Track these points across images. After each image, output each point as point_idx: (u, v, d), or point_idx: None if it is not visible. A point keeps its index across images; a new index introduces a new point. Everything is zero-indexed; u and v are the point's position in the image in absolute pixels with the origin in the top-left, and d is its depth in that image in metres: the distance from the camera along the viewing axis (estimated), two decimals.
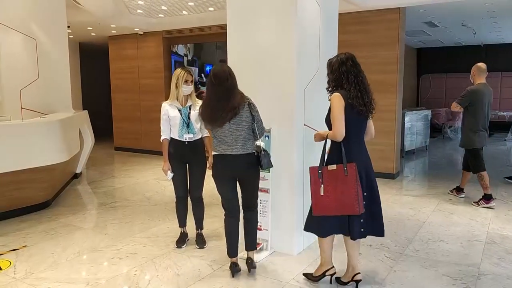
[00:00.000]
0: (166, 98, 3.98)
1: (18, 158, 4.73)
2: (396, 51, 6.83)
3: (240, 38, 3.99)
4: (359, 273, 3.22)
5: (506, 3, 6.76)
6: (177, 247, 4.07)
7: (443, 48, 13.00)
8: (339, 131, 2.91)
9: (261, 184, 3.75)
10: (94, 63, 12.63)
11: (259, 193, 3.81)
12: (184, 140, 3.87)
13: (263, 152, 3.29)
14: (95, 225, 4.92)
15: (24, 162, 4.80)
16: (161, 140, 3.92)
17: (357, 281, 3.20)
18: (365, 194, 3.05)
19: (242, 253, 3.84)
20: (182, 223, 4.16)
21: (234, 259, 3.45)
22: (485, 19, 8.27)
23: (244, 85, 3.96)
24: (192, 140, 3.89)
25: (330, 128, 3.05)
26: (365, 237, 3.20)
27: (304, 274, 3.43)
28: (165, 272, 3.55)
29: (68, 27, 7.64)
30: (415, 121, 9.37)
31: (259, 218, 3.85)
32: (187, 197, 4.09)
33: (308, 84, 3.88)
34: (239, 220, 3.44)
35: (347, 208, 2.95)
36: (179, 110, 3.86)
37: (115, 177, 7.65)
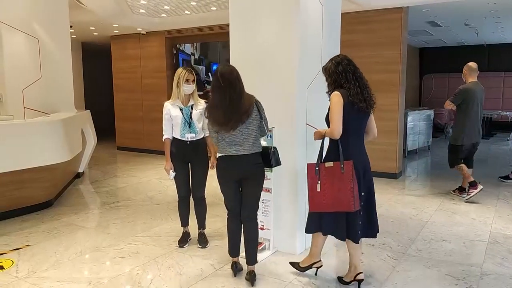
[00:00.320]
0: (169, 98, 3.98)
1: (21, 158, 4.73)
2: (398, 51, 6.81)
3: (243, 37, 3.99)
4: (361, 272, 3.21)
5: (509, 2, 6.73)
6: (179, 247, 4.07)
7: (446, 47, 12.96)
8: (337, 129, 2.95)
9: (263, 183, 3.75)
10: (96, 62, 12.66)
11: (262, 192, 3.81)
12: (186, 139, 3.87)
13: (272, 150, 3.31)
14: (97, 224, 4.93)
15: (26, 162, 4.81)
16: (163, 140, 3.92)
17: (359, 281, 3.20)
18: (362, 194, 3.08)
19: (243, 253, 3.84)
20: (184, 222, 4.16)
21: (235, 258, 3.45)
22: (488, 19, 8.24)
23: (246, 84, 3.95)
24: (194, 139, 3.89)
25: (329, 126, 3.08)
26: (366, 237, 3.26)
27: (291, 263, 3.48)
28: (167, 271, 3.55)
29: (71, 26, 7.66)
30: (418, 121, 9.35)
31: (261, 217, 3.85)
32: (189, 196, 4.09)
33: (311, 83, 3.88)
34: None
35: (343, 205, 2.99)
36: (181, 110, 3.86)
37: (118, 176, 7.66)
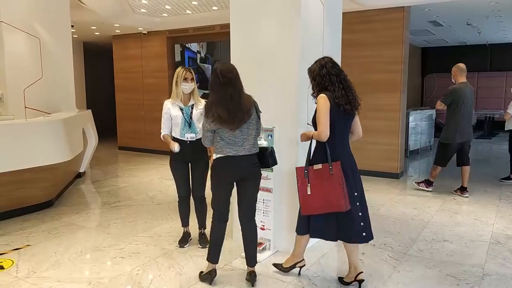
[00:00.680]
0: (170, 97, 3.96)
1: (21, 158, 4.73)
2: (400, 51, 6.79)
3: (243, 37, 3.97)
4: (361, 272, 3.21)
5: (511, 2, 6.71)
6: (179, 247, 4.06)
7: (448, 47, 12.92)
8: (324, 132, 3.00)
9: (264, 183, 3.74)
10: (98, 62, 12.67)
11: (262, 192, 3.81)
12: (186, 139, 3.86)
13: (270, 150, 3.29)
14: (98, 224, 4.92)
15: (27, 162, 4.80)
16: (161, 137, 3.90)
17: (360, 281, 3.19)
18: (355, 194, 3.11)
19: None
20: (185, 222, 4.15)
21: (215, 265, 3.33)
22: (490, 18, 8.21)
23: (247, 84, 3.94)
24: (194, 139, 3.87)
25: (316, 128, 3.12)
26: (367, 242, 3.26)
27: (274, 265, 3.48)
28: (168, 271, 3.54)
29: (72, 26, 7.66)
30: (420, 121, 9.33)
31: (262, 217, 3.84)
32: (190, 196, 4.08)
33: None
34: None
35: (333, 206, 3.02)
36: (181, 109, 3.85)
37: (119, 176, 7.66)
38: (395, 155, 6.97)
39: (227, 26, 4.11)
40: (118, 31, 9.67)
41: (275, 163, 3.35)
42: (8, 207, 4.95)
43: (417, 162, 8.83)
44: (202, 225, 4.15)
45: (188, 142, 3.86)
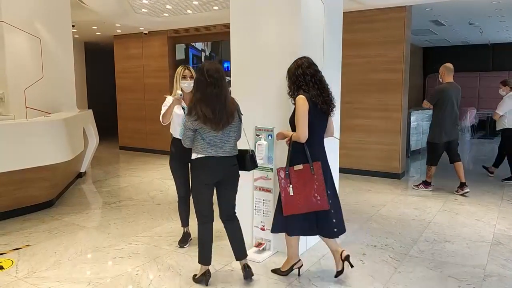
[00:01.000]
0: None
1: (22, 157, 4.73)
2: (402, 50, 6.77)
3: (243, 37, 3.96)
4: (343, 250, 3.30)
5: None
6: (179, 247, 4.05)
7: (450, 47, 12.88)
8: (303, 133, 3.06)
9: (264, 183, 3.73)
10: (99, 62, 12.67)
11: (262, 192, 3.79)
12: None
13: (251, 153, 3.30)
14: (98, 224, 4.91)
15: (28, 161, 4.80)
16: (161, 118, 3.81)
17: (347, 257, 3.26)
18: (328, 192, 3.17)
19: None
20: (185, 222, 4.14)
21: (209, 266, 3.32)
22: (492, 18, 8.18)
23: (247, 84, 3.95)
24: None
25: (293, 129, 3.19)
26: (337, 237, 3.34)
27: (273, 271, 3.47)
28: (167, 272, 3.53)
29: (73, 26, 7.65)
30: (421, 121, 9.29)
31: (262, 217, 3.83)
32: (189, 196, 4.05)
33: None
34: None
35: (317, 205, 3.11)
36: (184, 109, 3.84)
37: (120, 176, 7.66)
38: (397, 155, 6.95)
39: (228, 25, 4.10)
40: (119, 31, 9.67)
41: (255, 166, 3.35)
42: (8, 207, 4.95)
43: (418, 162, 8.79)
44: None
45: None
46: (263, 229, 3.83)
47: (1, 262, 3.74)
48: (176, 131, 3.88)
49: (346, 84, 5.22)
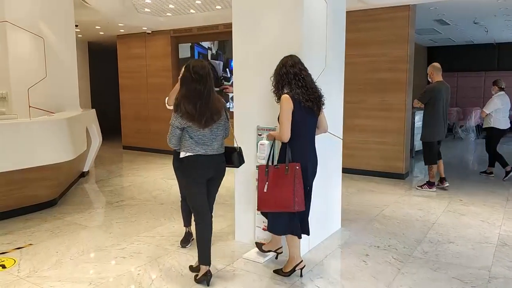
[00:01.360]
0: None
1: (25, 157, 4.73)
2: (405, 50, 6.72)
3: (246, 36, 3.93)
4: (302, 261, 3.37)
5: None
6: (181, 247, 4.03)
7: (454, 46, 12.81)
8: (285, 133, 3.11)
9: None
10: (102, 62, 12.69)
11: None
12: None
13: (238, 150, 3.38)
14: (100, 224, 4.91)
15: (31, 161, 4.80)
16: (166, 101, 3.81)
17: (301, 269, 3.37)
18: (308, 188, 3.26)
19: (246, 254, 3.79)
20: (187, 222, 4.12)
21: (209, 266, 3.28)
22: (498, 17, 8.11)
23: (250, 83, 3.92)
24: None
25: None
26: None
27: (275, 271, 3.46)
28: (169, 272, 3.51)
29: (76, 26, 7.67)
30: None
31: (264, 217, 3.80)
32: None
33: (315, 81, 3.80)
34: None
35: (284, 205, 3.14)
36: None
37: (123, 175, 7.65)
38: (400, 155, 6.90)
39: (231, 25, 4.08)
40: (122, 30, 9.67)
41: (242, 162, 3.45)
42: (11, 206, 4.95)
43: (422, 162, 8.71)
44: None
45: None
46: (265, 229, 3.80)
47: (3, 261, 3.74)
48: None
49: (350, 83, 5.18)
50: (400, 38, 6.72)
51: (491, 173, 7.08)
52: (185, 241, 4.08)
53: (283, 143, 3.21)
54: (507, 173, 6.81)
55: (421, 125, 8.86)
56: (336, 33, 4.21)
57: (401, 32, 6.71)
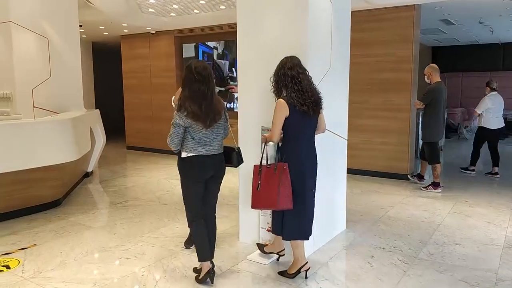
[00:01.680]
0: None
1: (29, 157, 4.72)
2: (410, 50, 6.68)
3: (250, 36, 3.91)
4: (307, 262, 3.37)
5: None
6: (185, 248, 4.01)
7: (459, 46, 12.74)
8: (275, 135, 3.20)
9: None
10: (106, 62, 12.70)
11: None
12: None
13: (237, 150, 3.41)
14: (104, 224, 4.90)
15: (35, 161, 4.80)
16: (173, 101, 3.76)
17: (306, 270, 3.36)
18: (313, 191, 3.29)
19: (251, 256, 3.78)
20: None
21: (211, 264, 3.30)
22: (503, 17, 8.05)
23: (255, 83, 3.90)
24: None
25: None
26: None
27: (279, 273, 3.44)
28: (173, 273, 3.50)
29: (81, 26, 7.67)
30: None
31: (269, 219, 3.78)
32: None
33: (319, 82, 3.79)
34: None
35: (270, 203, 3.20)
36: None
37: (127, 176, 7.65)
38: (405, 155, 6.86)
39: (235, 25, 4.06)
40: (126, 31, 9.68)
41: (241, 162, 3.47)
42: (16, 206, 4.95)
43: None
44: None
45: None
46: (269, 231, 3.78)
47: (7, 261, 3.74)
48: None
49: (354, 83, 5.15)
50: (404, 38, 6.69)
51: (497, 173, 7.08)
52: (189, 242, 4.06)
53: (279, 144, 3.29)
54: (466, 169, 7.33)
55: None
56: (341, 33, 4.19)
57: (405, 32, 6.67)
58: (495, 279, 3.39)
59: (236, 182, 4.06)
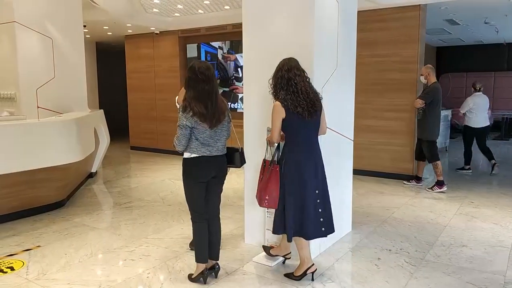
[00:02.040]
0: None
1: (33, 157, 4.71)
2: (416, 50, 6.64)
3: (257, 36, 3.89)
4: (313, 264, 3.35)
5: None
6: (190, 249, 3.99)
7: (463, 46, 12.67)
8: (274, 137, 3.23)
9: None
10: (110, 62, 12.70)
11: None
12: None
13: (240, 151, 3.39)
14: (109, 225, 4.88)
15: (39, 162, 4.79)
16: (176, 101, 3.79)
17: (313, 273, 3.33)
18: (317, 192, 3.27)
19: (256, 257, 3.75)
20: None
21: (206, 264, 3.32)
22: (509, 17, 8.00)
23: (261, 84, 3.87)
24: None
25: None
26: (326, 236, 3.36)
27: (285, 275, 3.42)
28: (178, 275, 3.48)
29: (85, 26, 7.66)
30: None
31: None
32: None
33: (326, 82, 3.76)
34: None
35: (263, 202, 3.30)
36: None
37: (130, 176, 7.64)
38: (410, 156, 6.82)
39: (240, 25, 4.04)
40: (130, 31, 9.67)
41: (244, 162, 3.45)
42: (19, 207, 4.94)
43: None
44: None
45: None
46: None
47: (12, 263, 3.73)
48: None
49: (359, 83, 5.11)
50: (410, 38, 6.65)
51: (497, 166, 7.29)
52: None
53: (281, 144, 3.35)
54: (463, 169, 7.53)
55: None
56: (347, 33, 4.16)
57: (411, 32, 6.63)
58: (503, 282, 3.35)
59: (240, 183, 4.03)
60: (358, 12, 4.46)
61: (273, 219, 3.56)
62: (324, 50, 3.74)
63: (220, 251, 3.88)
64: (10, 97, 6.22)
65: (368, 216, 5.01)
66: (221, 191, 3.45)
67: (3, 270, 3.58)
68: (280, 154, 3.34)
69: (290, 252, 3.59)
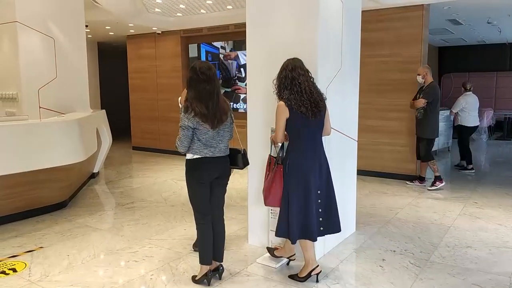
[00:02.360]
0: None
1: (35, 158, 4.70)
2: (419, 50, 6.61)
3: (260, 36, 3.87)
4: (318, 266, 3.33)
5: None
6: (194, 250, 3.97)
7: (466, 46, 12.64)
8: (278, 137, 3.24)
9: None
10: (112, 62, 12.68)
11: None
12: None
13: (242, 152, 3.37)
14: (111, 226, 4.87)
15: (41, 162, 4.77)
16: (179, 101, 3.74)
17: (317, 274, 3.32)
18: (319, 192, 3.26)
19: (260, 259, 3.74)
20: None
21: (211, 266, 3.30)
22: None
23: (265, 84, 3.85)
24: None
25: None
26: (323, 236, 3.36)
27: (290, 277, 3.41)
28: (182, 276, 3.46)
29: (86, 26, 7.64)
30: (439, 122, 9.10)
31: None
32: None
33: (330, 83, 3.74)
34: None
35: (264, 198, 3.37)
36: None
37: (133, 177, 7.63)
38: (413, 156, 6.79)
39: (242, 25, 4.02)
40: (132, 31, 9.65)
41: (247, 164, 3.42)
42: (21, 208, 4.92)
43: None
44: None
45: None
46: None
47: (14, 264, 3.71)
48: None
49: (362, 83, 5.08)
50: (413, 38, 6.62)
51: (464, 167, 7.62)
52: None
53: (285, 144, 3.36)
54: (465, 168, 7.57)
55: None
56: (351, 33, 4.14)
57: (414, 32, 6.60)
58: (509, 283, 3.33)
59: (244, 183, 4.01)
60: (361, 12, 4.44)
61: (277, 220, 3.55)
62: (328, 50, 3.72)
63: (224, 252, 3.88)
64: (12, 97, 6.20)
65: (371, 217, 4.99)
66: (225, 192, 3.43)
67: (5, 271, 3.56)
68: (284, 154, 3.33)
69: (295, 254, 3.57)
